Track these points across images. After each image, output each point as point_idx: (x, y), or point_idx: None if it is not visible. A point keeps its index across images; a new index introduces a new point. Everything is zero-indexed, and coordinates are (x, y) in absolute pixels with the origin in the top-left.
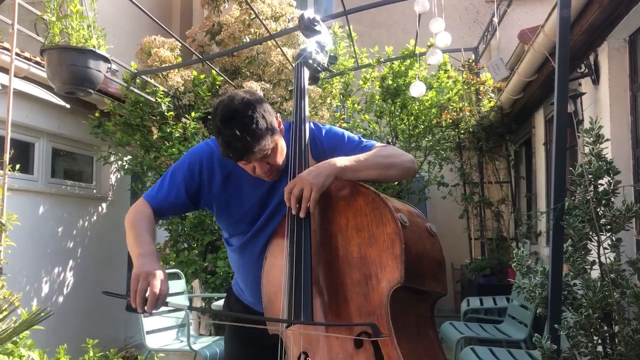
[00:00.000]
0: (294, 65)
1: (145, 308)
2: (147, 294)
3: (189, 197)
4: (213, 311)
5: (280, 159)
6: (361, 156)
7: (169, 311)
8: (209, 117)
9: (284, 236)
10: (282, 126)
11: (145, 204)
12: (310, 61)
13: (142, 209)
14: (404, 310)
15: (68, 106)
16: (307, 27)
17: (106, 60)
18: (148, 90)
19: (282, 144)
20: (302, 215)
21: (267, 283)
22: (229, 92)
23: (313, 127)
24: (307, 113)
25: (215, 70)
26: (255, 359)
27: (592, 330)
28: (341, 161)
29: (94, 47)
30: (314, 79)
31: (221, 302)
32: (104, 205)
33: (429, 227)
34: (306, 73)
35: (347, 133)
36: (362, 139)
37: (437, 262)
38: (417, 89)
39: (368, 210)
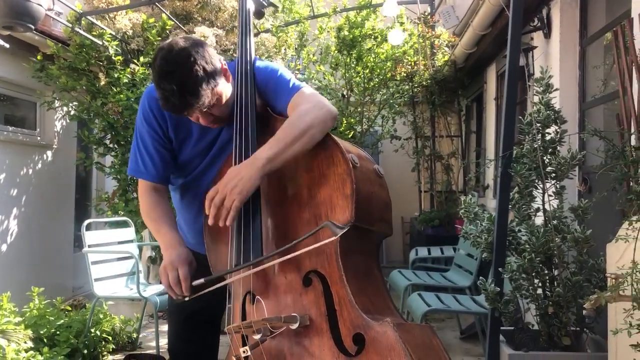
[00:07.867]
0: None
1: (183, 293)
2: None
3: (166, 149)
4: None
5: (225, 108)
6: (279, 135)
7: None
8: None
9: None
10: (228, 73)
11: (144, 184)
12: None
13: (146, 197)
14: (352, 249)
15: (7, 46)
16: None
17: None
18: (94, 33)
19: (227, 92)
20: (221, 224)
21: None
22: (169, 39)
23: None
24: (252, 49)
25: (166, 14)
26: (196, 312)
27: (533, 273)
28: (263, 153)
29: None
30: (258, 14)
31: None
32: (49, 153)
33: (377, 168)
34: (251, 6)
35: (282, 70)
36: (294, 81)
37: (384, 203)
38: (395, 37)
39: (318, 150)
